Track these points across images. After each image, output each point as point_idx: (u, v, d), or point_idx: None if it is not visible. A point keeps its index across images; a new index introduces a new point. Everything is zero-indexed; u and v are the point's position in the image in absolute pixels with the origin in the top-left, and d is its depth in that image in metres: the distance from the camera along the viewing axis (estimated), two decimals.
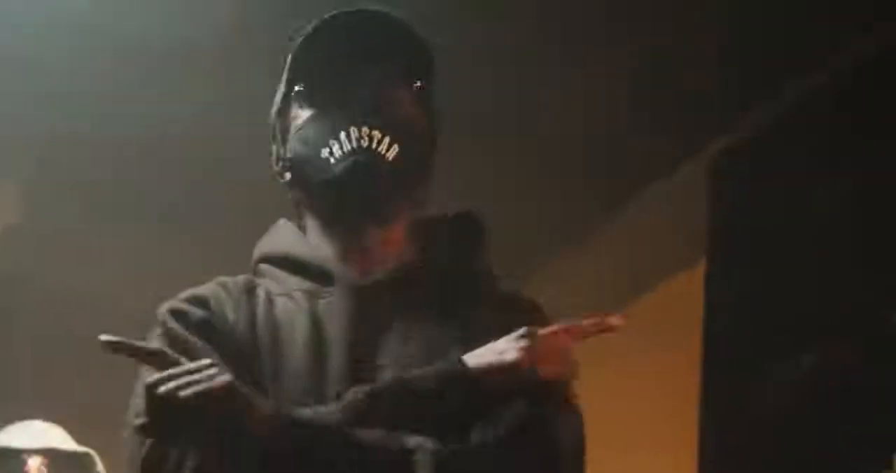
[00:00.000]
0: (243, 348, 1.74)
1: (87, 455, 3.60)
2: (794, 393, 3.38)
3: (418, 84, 1.87)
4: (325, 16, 1.85)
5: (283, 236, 1.91)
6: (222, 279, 1.86)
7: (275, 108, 1.91)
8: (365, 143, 1.78)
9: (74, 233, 4.59)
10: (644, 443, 3.95)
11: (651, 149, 3.97)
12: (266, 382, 1.71)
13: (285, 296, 1.81)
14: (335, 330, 1.76)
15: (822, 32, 3.38)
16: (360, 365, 1.72)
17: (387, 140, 1.79)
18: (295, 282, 1.83)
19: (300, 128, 1.85)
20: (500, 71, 3.65)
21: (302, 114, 1.86)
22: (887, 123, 3.27)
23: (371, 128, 1.79)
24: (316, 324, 1.76)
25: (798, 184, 3.54)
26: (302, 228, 1.91)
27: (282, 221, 1.95)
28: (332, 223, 1.85)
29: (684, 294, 3.92)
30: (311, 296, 1.80)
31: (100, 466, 3.59)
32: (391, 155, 1.79)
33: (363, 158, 1.78)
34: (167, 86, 3.83)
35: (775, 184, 3.61)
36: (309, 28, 1.85)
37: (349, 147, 1.78)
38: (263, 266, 1.90)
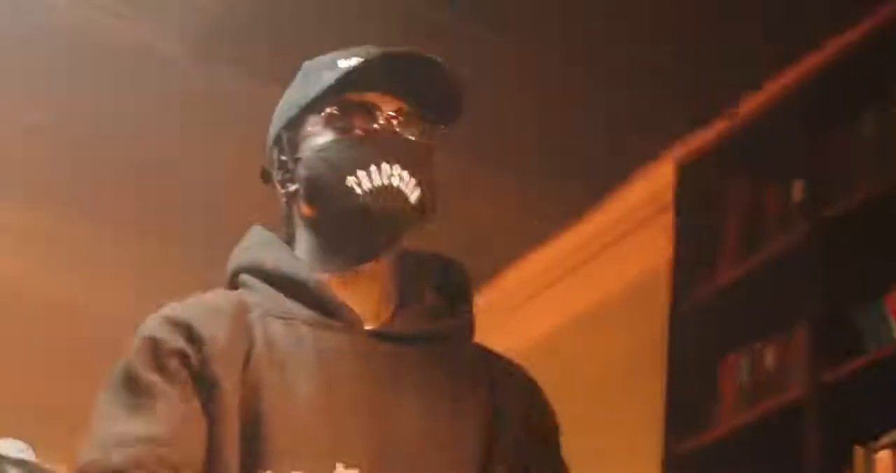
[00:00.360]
0: (229, 378, 1.72)
1: None
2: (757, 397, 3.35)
3: (444, 128, 1.89)
4: (372, 52, 1.87)
5: (271, 249, 1.89)
6: (211, 298, 1.83)
7: (288, 117, 1.89)
8: (395, 182, 1.81)
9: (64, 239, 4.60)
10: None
11: (620, 150, 3.95)
12: (262, 411, 1.71)
13: (282, 320, 1.80)
14: (348, 378, 1.77)
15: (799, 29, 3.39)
16: (378, 421, 1.75)
17: (412, 182, 1.82)
18: (293, 307, 1.81)
19: (322, 149, 1.84)
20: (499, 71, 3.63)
21: (325, 134, 1.86)
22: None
23: (402, 168, 1.81)
24: (322, 363, 1.77)
25: (764, 184, 3.53)
26: (289, 237, 1.90)
27: (259, 230, 1.93)
28: (334, 248, 1.86)
29: (649, 296, 3.88)
30: (313, 328, 1.80)
31: None
32: (413, 197, 1.82)
33: (391, 196, 1.80)
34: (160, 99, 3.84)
35: (741, 184, 3.59)
36: (354, 60, 1.85)
37: (379, 182, 1.80)
38: (248, 278, 1.86)
